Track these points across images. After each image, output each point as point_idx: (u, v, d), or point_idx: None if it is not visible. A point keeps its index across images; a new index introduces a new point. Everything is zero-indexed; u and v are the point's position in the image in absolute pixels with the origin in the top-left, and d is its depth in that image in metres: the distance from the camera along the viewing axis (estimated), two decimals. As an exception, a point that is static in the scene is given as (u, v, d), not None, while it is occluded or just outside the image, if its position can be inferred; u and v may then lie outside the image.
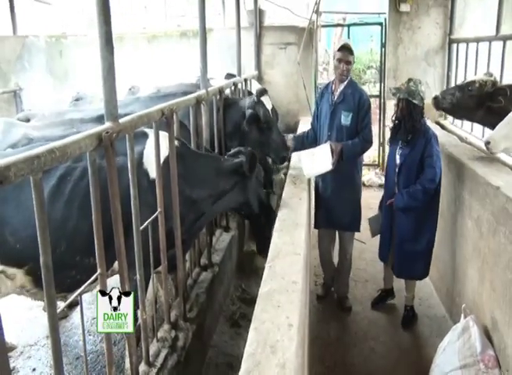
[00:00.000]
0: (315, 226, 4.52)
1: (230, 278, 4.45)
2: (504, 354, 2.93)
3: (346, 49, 3.97)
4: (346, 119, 4.06)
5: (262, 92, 4.46)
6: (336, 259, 4.63)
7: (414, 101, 3.64)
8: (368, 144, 4.13)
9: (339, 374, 3.65)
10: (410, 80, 3.74)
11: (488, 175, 3.45)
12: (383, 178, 7.77)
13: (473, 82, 3.93)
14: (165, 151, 2.81)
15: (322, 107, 4.25)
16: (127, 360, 2.65)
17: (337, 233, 4.53)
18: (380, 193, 7.31)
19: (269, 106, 4.48)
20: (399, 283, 4.37)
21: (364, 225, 4.46)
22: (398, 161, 3.90)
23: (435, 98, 4.25)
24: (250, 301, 4.19)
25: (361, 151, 4.15)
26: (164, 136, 2.81)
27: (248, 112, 4.22)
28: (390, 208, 3.97)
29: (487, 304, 3.29)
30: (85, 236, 2.56)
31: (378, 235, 4.27)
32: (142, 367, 2.54)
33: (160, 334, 2.85)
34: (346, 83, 4.10)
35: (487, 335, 3.15)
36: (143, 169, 2.77)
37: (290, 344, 1.80)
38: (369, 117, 4.12)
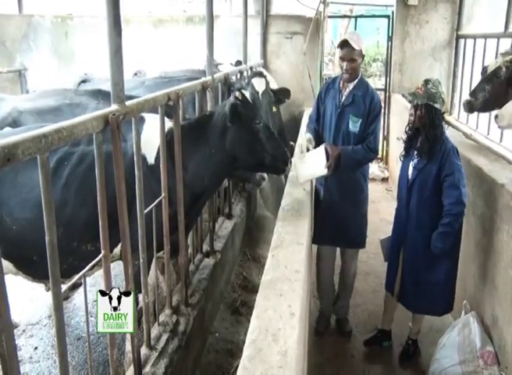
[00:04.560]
0: (314, 242, 3.96)
1: (232, 265, 4.46)
2: (504, 351, 2.94)
3: (347, 46, 3.48)
4: (354, 125, 3.60)
5: (256, 74, 3.95)
6: (335, 280, 4.22)
7: (436, 106, 3.17)
8: (371, 153, 3.61)
9: (338, 366, 3.66)
10: (427, 81, 3.24)
11: (493, 172, 3.45)
12: (386, 172, 7.83)
13: (499, 68, 3.67)
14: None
15: (327, 104, 3.75)
16: (128, 343, 2.66)
17: (338, 250, 4.09)
18: (383, 186, 7.41)
19: (261, 87, 3.86)
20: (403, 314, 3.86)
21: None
22: (410, 176, 3.39)
23: (469, 103, 3.85)
24: (251, 290, 4.21)
25: (363, 160, 3.63)
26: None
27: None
28: (400, 227, 3.52)
29: (488, 301, 3.30)
30: (82, 222, 2.56)
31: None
32: (143, 350, 2.55)
33: (161, 318, 2.86)
34: (355, 82, 3.63)
35: (487, 332, 3.17)
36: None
37: (292, 332, 1.80)
38: (377, 123, 3.62)
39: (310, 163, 3.30)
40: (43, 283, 3.03)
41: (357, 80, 3.64)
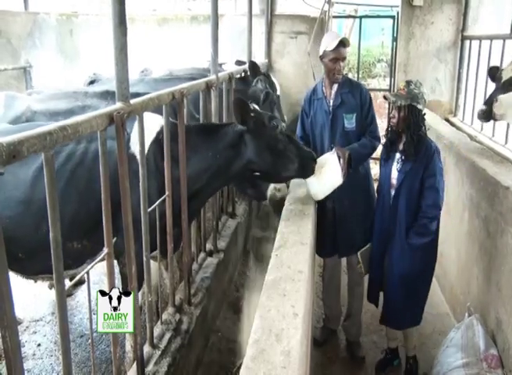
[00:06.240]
0: (322, 256, 3.82)
1: (235, 264, 4.46)
2: (508, 354, 2.92)
3: (342, 44, 3.32)
4: (350, 122, 3.44)
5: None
6: (342, 289, 3.98)
7: (418, 106, 3.14)
8: (377, 141, 3.48)
9: (341, 366, 3.66)
10: (409, 82, 3.20)
11: (497, 175, 3.41)
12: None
13: None
14: (152, 134, 2.75)
15: (316, 116, 3.54)
16: (128, 343, 2.66)
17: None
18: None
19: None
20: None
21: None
22: (396, 181, 3.27)
23: (485, 112, 3.69)
24: (254, 289, 4.20)
25: (370, 152, 3.48)
26: (152, 117, 2.76)
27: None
28: (383, 236, 3.37)
29: (492, 304, 3.28)
30: (68, 220, 2.53)
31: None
32: (146, 349, 2.55)
33: (164, 317, 2.86)
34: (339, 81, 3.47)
35: (491, 335, 3.15)
36: (130, 153, 2.58)
37: (295, 333, 1.80)
38: (373, 110, 3.50)
39: (326, 176, 3.10)
40: (32, 279, 3.02)
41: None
